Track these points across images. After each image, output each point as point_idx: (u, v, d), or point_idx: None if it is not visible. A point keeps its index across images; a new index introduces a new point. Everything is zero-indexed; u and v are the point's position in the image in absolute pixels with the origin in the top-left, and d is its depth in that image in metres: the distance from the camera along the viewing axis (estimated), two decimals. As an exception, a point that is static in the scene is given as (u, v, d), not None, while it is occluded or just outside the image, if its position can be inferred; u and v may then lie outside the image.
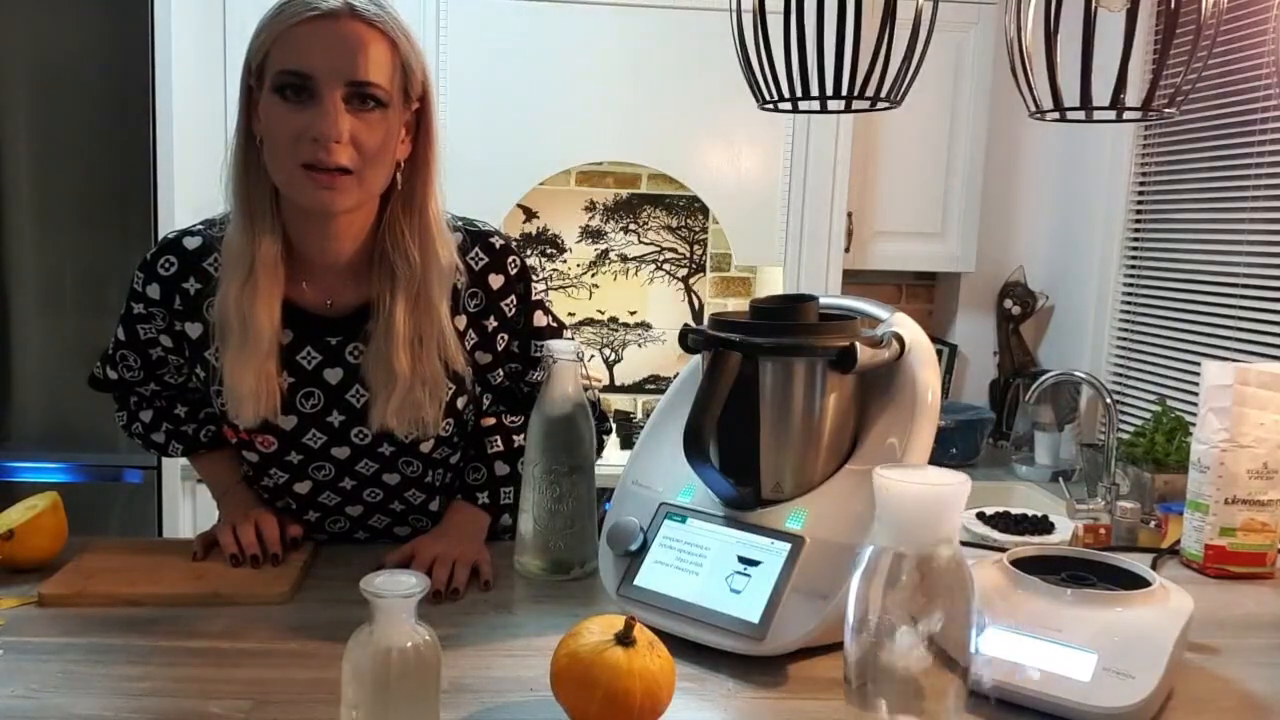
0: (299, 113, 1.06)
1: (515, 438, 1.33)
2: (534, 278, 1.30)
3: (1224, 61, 2.33)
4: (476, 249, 1.24)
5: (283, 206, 1.14)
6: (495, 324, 1.26)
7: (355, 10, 1.07)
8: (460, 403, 1.26)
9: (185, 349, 1.23)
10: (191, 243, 1.19)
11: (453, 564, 1.17)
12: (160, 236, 2.32)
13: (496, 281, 1.24)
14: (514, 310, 1.26)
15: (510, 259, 1.26)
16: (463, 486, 1.32)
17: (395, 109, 1.10)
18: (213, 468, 1.35)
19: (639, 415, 2.99)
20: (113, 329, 1.28)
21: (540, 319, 1.30)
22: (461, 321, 1.23)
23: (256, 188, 1.12)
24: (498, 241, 1.25)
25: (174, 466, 2.33)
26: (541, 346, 1.26)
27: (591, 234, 3.02)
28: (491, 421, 1.35)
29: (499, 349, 1.28)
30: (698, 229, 3.05)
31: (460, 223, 1.25)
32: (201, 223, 1.22)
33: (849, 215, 2.76)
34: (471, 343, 1.25)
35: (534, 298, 1.29)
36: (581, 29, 2.62)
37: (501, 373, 1.30)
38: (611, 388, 3.06)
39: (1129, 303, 2.73)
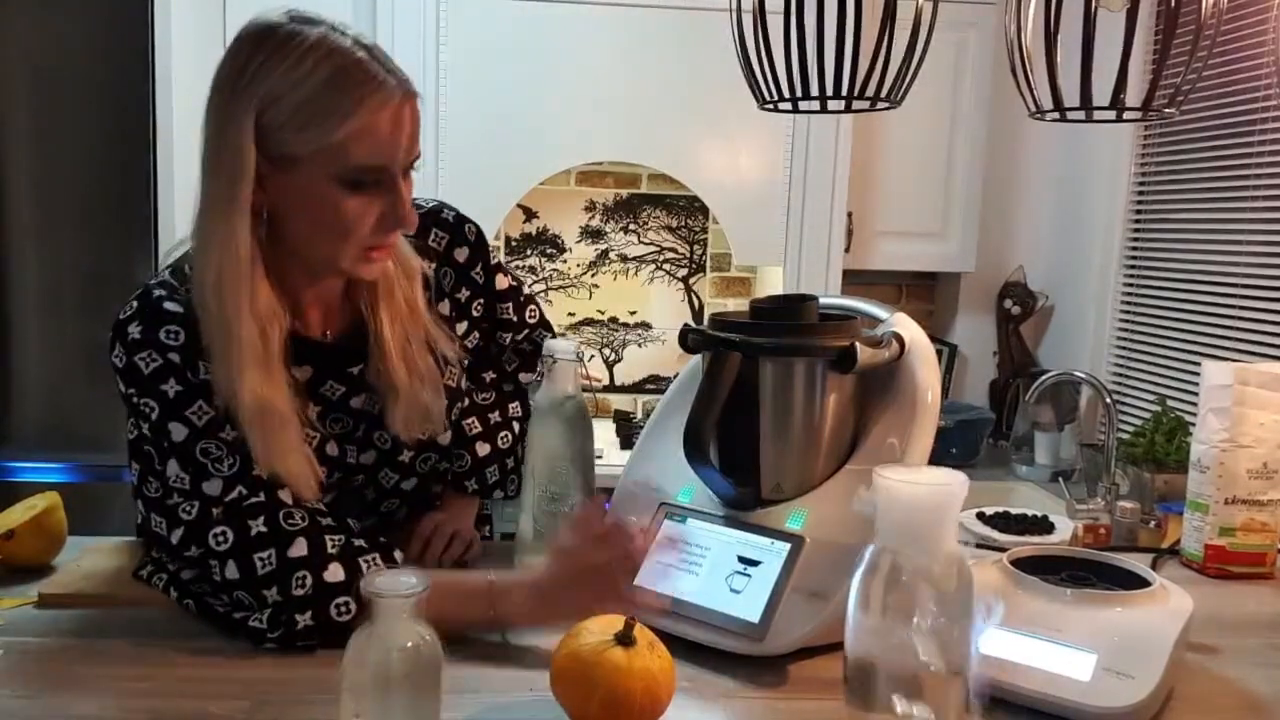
0: (371, 201, 1.03)
1: (490, 415, 1.35)
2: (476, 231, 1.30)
3: (1224, 61, 2.33)
4: (434, 230, 1.25)
5: (286, 266, 1.08)
6: (468, 293, 1.29)
7: (408, 88, 1.04)
8: (464, 384, 1.28)
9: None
10: (173, 307, 1.06)
11: (450, 536, 1.27)
12: (159, 237, 2.25)
13: (462, 255, 1.27)
14: (482, 278, 1.29)
15: (467, 226, 1.28)
16: (452, 477, 1.33)
17: None
18: None
19: (639, 415, 2.99)
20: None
21: (502, 281, 1.33)
22: (445, 306, 1.25)
23: (270, 268, 1.05)
24: (449, 214, 1.27)
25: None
26: (507, 309, 1.33)
27: (591, 234, 3.02)
28: (465, 403, 1.32)
29: (474, 315, 1.30)
30: (698, 229, 3.05)
31: None
32: (163, 283, 1.09)
33: (849, 215, 2.76)
34: (452, 317, 1.27)
35: (492, 262, 1.31)
36: (582, 29, 2.62)
37: (476, 334, 1.32)
38: (611, 388, 3.06)
39: (1129, 303, 2.73)
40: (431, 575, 0.80)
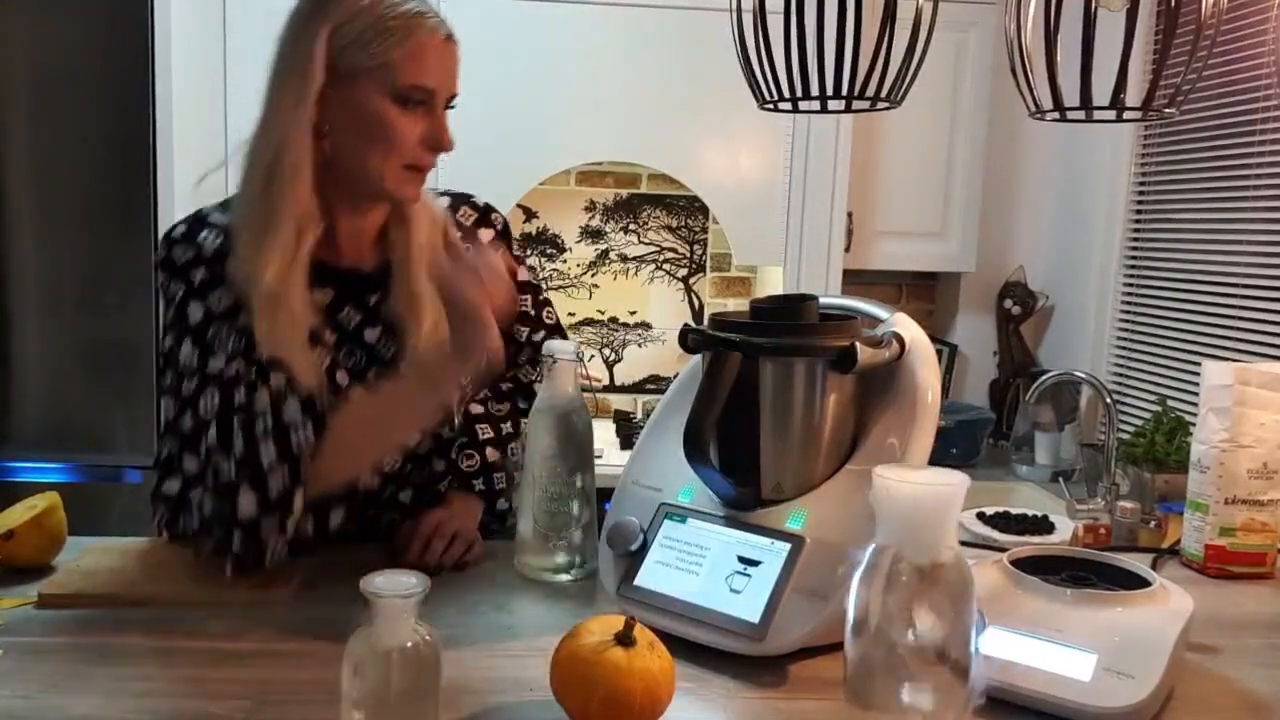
0: (416, 120, 1.16)
1: (503, 426, 1.40)
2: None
3: (1224, 61, 2.33)
4: (464, 208, 1.37)
5: (329, 188, 1.18)
6: None
7: (451, 35, 1.20)
8: None
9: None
10: (218, 219, 1.21)
11: (451, 536, 1.25)
12: (159, 237, 2.28)
13: (486, 236, 1.36)
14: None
15: (494, 214, 1.39)
16: (458, 473, 1.37)
17: None
18: None
19: (639, 415, 2.99)
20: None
21: (523, 275, 1.40)
22: None
23: (312, 180, 1.15)
24: (480, 200, 1.39)
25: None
26: (525, 303, 1.38)
27: (591, 234, 3.02)
28: (480, 409, 1.40)
29: None
30: (698, 229, 3.05)
31: (437, 189, 1.35)
32: (213, 207, 1.24)
33: (849, 215, 2.76)
34: None
35: (514, 253, 1.39)
36: (582, 29, 2.62)
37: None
38: (611, 388, 3.06)
39: (1129, 303, 2.73)
40: (367, 399, 1.09)
